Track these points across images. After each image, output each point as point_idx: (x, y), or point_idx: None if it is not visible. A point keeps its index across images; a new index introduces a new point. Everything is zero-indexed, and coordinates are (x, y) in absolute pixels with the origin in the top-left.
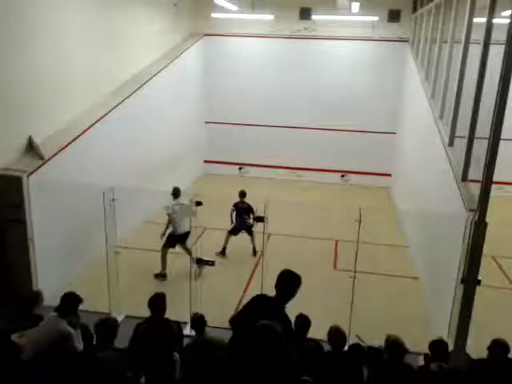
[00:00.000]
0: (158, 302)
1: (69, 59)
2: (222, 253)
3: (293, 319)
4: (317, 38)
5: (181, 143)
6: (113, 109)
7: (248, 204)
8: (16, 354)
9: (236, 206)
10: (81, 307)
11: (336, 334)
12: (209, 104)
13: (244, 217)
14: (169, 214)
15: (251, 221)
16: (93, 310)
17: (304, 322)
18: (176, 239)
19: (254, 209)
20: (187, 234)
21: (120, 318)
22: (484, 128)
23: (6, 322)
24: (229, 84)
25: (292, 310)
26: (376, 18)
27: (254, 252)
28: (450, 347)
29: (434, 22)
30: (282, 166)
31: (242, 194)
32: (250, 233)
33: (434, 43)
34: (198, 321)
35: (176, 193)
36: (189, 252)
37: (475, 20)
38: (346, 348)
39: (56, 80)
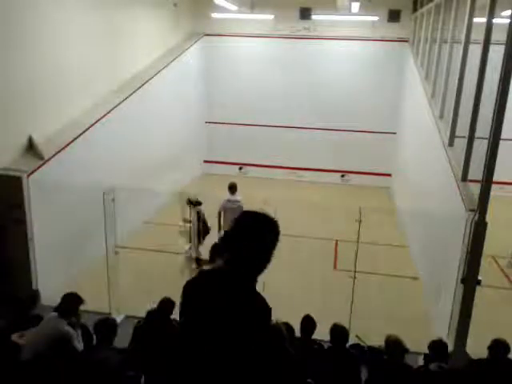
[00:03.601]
0: (168, 306)
1: (69, 59)
2: None
3: (293, 320)
4: (317, 38)
5: (181, 143)
6: (113, 109)
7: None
8: (16, 354)
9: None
10: (81, 307)
11: (338, 331)
12: (209, 104)
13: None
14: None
15: None
16: (93, 310)
17: (310, 323)
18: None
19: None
20: None
21: (120, 318)
22: (484, 128)
23: (6, 322)
24: (229, 84)
25: (292, 309)
26: (376, 18)
27: None
28: (450, 347)
29: (433, 21)
30: (281, 166)
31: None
32: None
33: (434, 43)
34: None
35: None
36: None
37: (475, 20)
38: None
39: (56, 80)
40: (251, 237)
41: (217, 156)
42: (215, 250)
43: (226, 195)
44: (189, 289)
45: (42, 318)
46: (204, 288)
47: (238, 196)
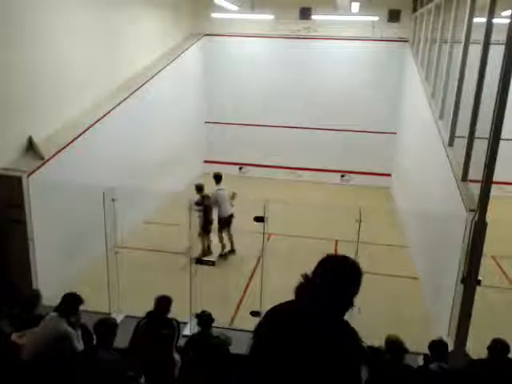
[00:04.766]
0: (164, 304)
1: (69, 59)
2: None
3: None
4: (317, 38)
5: (181, 143)
6: (113, 109)
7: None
8: (16, 354)
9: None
10: (81, 307)
11: None
12: (209, 104)
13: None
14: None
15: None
16: (93, 310)
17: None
18: (220, 222)
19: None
20: (231, 217)
21: (120, 318)
22: (484, 128)
23: (7, 323)
24: (229, 84)
25: None
26: (376, 18)
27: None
28: (450, 347)
29: (434, 21)
30: (281, 165)
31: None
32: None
33: (434, 43)
34: (207, 318)
35: (218, 179)
36: (230, 237)
37: (475, 20)
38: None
39: (56, 80)
40: (334, 280)
41: (217, 156)
42: (300, 288)
43: (215, 187)
44: (274, 319)
45: (42, 318)
46: (290, 323)
47: (222, 185)
